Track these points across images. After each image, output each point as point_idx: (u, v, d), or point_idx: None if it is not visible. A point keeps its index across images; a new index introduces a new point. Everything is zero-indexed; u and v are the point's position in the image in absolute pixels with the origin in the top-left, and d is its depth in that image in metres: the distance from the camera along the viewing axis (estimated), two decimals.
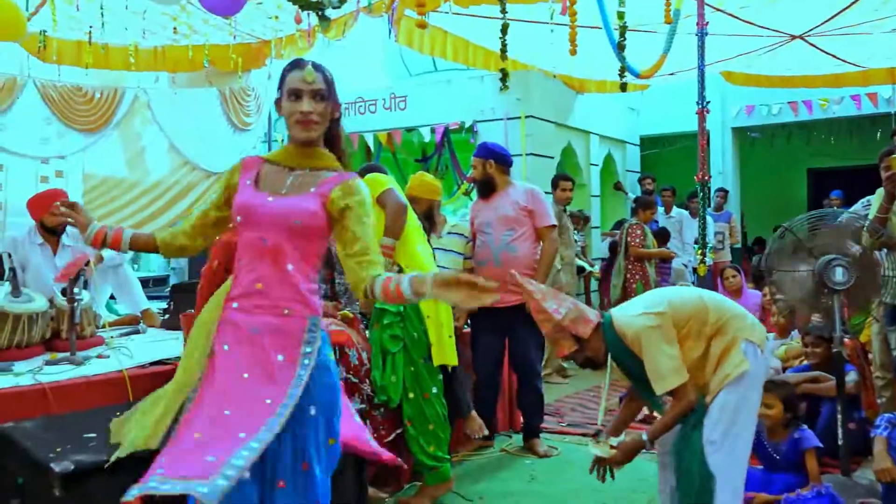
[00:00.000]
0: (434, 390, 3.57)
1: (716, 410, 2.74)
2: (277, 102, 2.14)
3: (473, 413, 3.91)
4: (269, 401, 1.92)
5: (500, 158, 4.51)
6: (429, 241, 4.00)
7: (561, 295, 2.94)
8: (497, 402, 4.70)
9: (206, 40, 6.21)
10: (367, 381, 3.50)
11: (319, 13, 3.46)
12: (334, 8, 3.51)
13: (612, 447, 2.95)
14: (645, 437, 2.87)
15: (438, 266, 4.11)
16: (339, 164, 2.15)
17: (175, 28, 5.85)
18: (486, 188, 4.51)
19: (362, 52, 9.67)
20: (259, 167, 2.15)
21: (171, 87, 7.31)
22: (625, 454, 2.90)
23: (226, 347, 2.03)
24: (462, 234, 4.58)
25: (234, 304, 2.06)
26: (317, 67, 2.07)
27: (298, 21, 5.42)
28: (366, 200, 2.11)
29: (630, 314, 2.87)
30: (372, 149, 9.15)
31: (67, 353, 3.58)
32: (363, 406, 3.39)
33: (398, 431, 3.54)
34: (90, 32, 5.62)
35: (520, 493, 3.85)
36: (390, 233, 3.51)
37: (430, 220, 4.25)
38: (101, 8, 4.99)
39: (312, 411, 2.02)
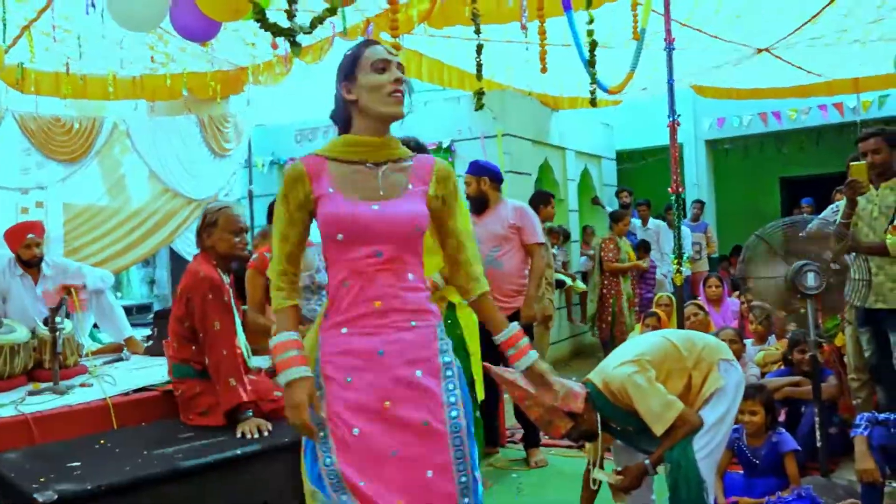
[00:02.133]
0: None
1: (704, 426, 2.86)
2: (347, 86, 1.90)
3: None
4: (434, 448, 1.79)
5: (493, 176, 4.60)
6: None
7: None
8: (498, 412, 4.76)
9: (184, 68, 6.26)
10: None
11: (290, 39, 3.51)
12: (305, 33, 3.56)
13: (616, 472, 3.00)
14: (647, 462, 2.92)
15: None
16: (405, 148, 1.96)
17: (152, 57, 5.89)
18: (480, 205, 4.57)
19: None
20: (327, 169, 1.86)
21: (150, 116, 7.36)
22: (632, 480, 2.95)
23: (349, 380, 1.79)
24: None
25: (344, 330, 1.82)
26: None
27: (275, 47, 5.47)
28: (458, 184, 1.98)
29: (610, 370, 2.94)
30: None
31: (50, 383, 3.58)
32: None
33: None
34: (68, 63, 5.65)
35: None
36: None
37: None
38: (79, 38, 5.03)
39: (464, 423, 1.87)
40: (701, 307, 5.63)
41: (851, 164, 4.09)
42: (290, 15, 3.44)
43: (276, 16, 3.63)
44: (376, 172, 1.86)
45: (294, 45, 3.52)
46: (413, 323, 1.83)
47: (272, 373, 3.69)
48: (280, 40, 4.72)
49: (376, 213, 1.81)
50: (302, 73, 6.28)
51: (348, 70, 1.90)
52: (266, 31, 3.46)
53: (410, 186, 1.88)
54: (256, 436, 2.90)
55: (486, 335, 4.56)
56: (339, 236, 1.81)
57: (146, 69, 6.20)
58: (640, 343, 3.10)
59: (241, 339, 3.28)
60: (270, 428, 2.96)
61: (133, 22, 3.74)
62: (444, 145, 8.03)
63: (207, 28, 3.65)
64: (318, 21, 3.61)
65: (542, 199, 6.55)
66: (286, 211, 1.87)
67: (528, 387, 2.76)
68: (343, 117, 1.94)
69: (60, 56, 5.49)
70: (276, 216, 1.89)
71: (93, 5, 4.13)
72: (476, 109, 4.53)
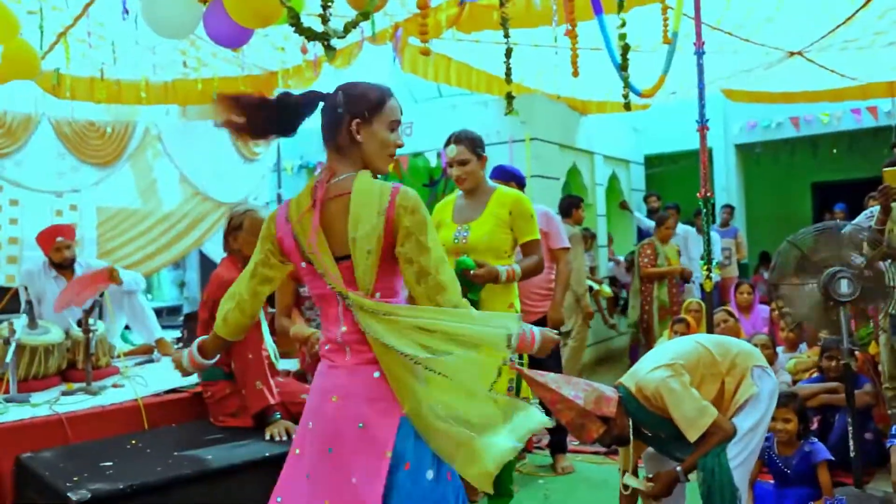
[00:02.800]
0: None
1: (738, 433, 2.83)
2: (359, 125, 1.99)
3: None
4: None
5: (520, 181, 4.60)
6: None
7: (573, 379, 2.92)
8: None
9: (215, 73, 6.33)
10: None
11: (325, 43, 3.54)
12: (339, 38, 3.58)
13: (647, 479, 2.97)
14: (679, 469, 2.89)
15: None
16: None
17: (185, 62, 5.97)
18: None
19: (369, 79, 9.79)
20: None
21: (182, 120, 7.45)
22: (663, 487, 2.91)
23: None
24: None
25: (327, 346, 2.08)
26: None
27: (304, 52, 5.53)
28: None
29: (643, 374, 2.91)
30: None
31: (83, 384, 3.64)
32: None
33: None
34: (102, 69, 5.74)
35: None
36: None
37: None
38: (113, 44, 5.10)
39: None
40: (731, 313, 5.56)
41: (885, 169, 4.02)
42: (325, 20, 3.47)
43: (310, 20, 3.66)
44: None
45: (328, 48, 3.54)
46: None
47: (300, 375, 3.72)
48: (310, 45, 4.76)
49: None
50: (331, 77, 6.31)
51: (367, 112, 1.98)
52: (300, 35, 3.49)
53: None
54: (285, 438, 2.92)
55: None
56: None
57: (178, 74, 6.28)
58: (673, 347, 3.07)
59: (269, 343, 3.31)
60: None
61: (167, 29, 3.79)
62: None
63: (240, 34, 3.68)
64: (351, 25, 3.63)
65: (573, 203, 6.53)
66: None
67: (559, 389, 2.75)
68: (336, 141, 2.00)
69: (95, 62, 5.58)
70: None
71: (126, 11, 4.20)
72: (506, 114, 4.52)
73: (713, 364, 2.89)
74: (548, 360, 4.40)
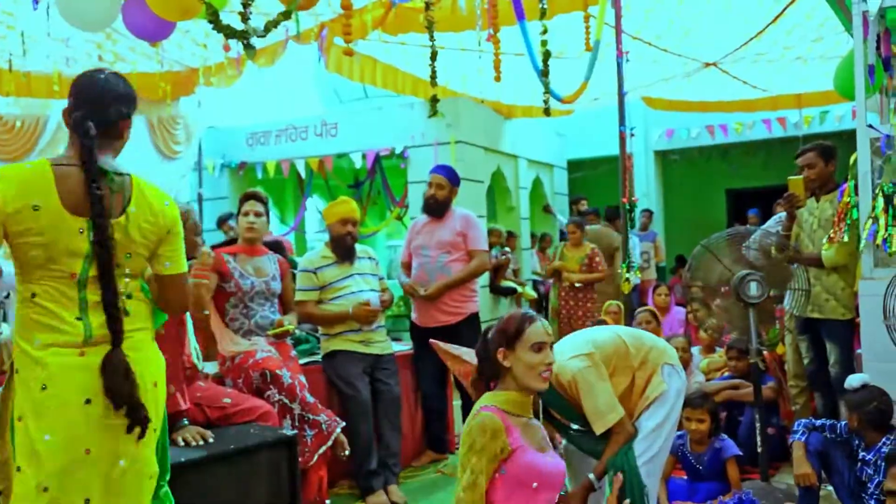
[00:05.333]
0: None
1: (644, 431, 2.88)
2: (504, 353, 2.27)
3: None
4: None
5: (457, 183, 4.64)
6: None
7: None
8: (446, 419, 4.78)
9: (133, 68, 6.14)
10: (298, 402, 3.50)
11: (244, 42, 3.48)
12: (259, 37, 3.53)
13: (561, 497, 2.98)
14: (591, 476, 2.91)
15: (359, 291, 4.17)
16: None
17: (100, 56, 5.77)
18: (442, 211, 4.59)
19: (293, 79, 9.69)
20: (511, 423, 2.22)
21: None
22: (579, 500, 2.89)
23: None
24: (369, 257, 4.40)
25: None
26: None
27: (227, 49, 5.42)
28: None
29: (562, 361, 2.88)
30: (303, 175, 9.13)
31: None
32: (294, 428, 3.40)
33: (320, 452, 3.53)
34: (10, 60, 5.50)
35: None
36: None
37: (343, 248, 4.19)
38: (23, 35, 4.89)
39: None
40: (655, 315, 5.70)
41: (790, 178, 4.22)
42: (245, 17, 3.41)
43: (230, 17, 3.60)
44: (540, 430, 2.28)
45: (248, 47, 3.49)
46: None
47: (220, 378, 3.65)
48: (233, 42, 4.68)
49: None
50: (254, 75, 6.22)
51: (510, 340, 2.22)
52: (219, 32, 3.42)
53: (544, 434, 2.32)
54: (201, 442, 2.85)
55: (414, 339, 4.65)
56: (534, 485, 2.15)
57: (93, 68, 6.08)
58: (592, 335, 3.07)
59: (193, 344, 3.22)
60: (212, 436, 2.90)
61: (84, 21, 3.65)
62: (398, 151, 8.04)
63: (160, 28, 3.59)
64: (272, 25, 3.59)
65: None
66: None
67: (472, 361, 2.75)
68: (491, 373, 2.33)
69: (3, 53, 5.35)
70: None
71: (37, 0, 4.04)
72: (430, 116, 4.56)
73: (627, 357, 2.92)
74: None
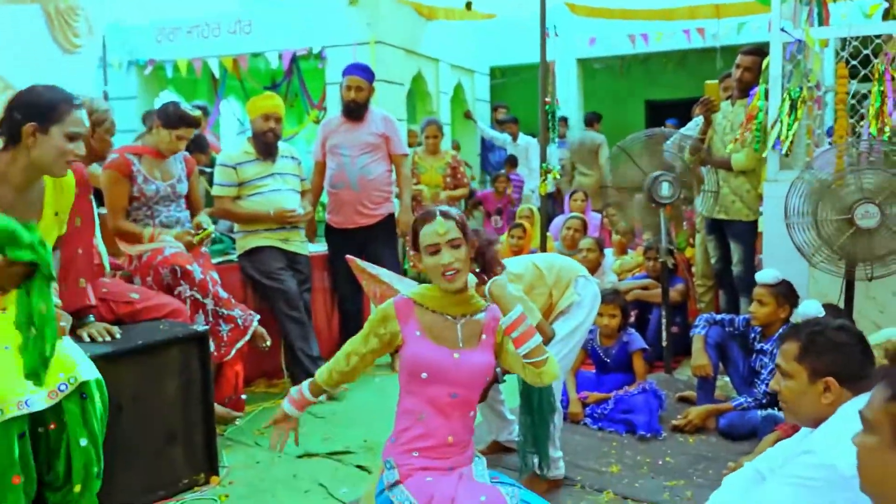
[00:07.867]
0: None
1: (559, 335, 2.95)
2: (417, 256, 2.15)
3: None
4: None
5: (373, 80, 4.54)
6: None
7: (405, 279, 2.98)
8: (361, 321, 4.81)
9: None
10: (211, 297, 3.45)
11: None
12: None
13: None
14: (497, 369, 2.84)
15: (279, 189, 4.10)
16: (483, 303, 2.20)
17: None
18: (361, 112, 4.46)
19: None
20: (415, 314, 2.13)
21: None
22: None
23: (429, 479, 2.01)
24: (292, 157, 4.32)
25: (415, 454, 2.06)
26: (445, 215, 2.09)
27: None
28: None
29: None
30: (217, 76, 8.74)
31: None
32: (208, 324, 3.36)
33: (238, 347, 3.52)
34: None
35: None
36: None
37: (264, 144, 4.10)
38: None
39: None
40: (584, 223, 5.74)
41: (707, 82, 4.28)
42: None
43: None
44: (457, 325, 2.13)
45: None
46: (468, 450, 2.14)
47: (128, 277, 3.54)
48: None
49: (455, 361, 2.08)
50: None
51: (413, 244, 2.15)
52: None
53: (484, 337, 2.16)
54: (108, 339, 2.77)
55: (329, 241, 4.64)
56: (423, 375, 2.06)
57: None
58: (509, 266, 3.14)
59: (100, 244, 3.09)
60: (120, 332, 2.82)
61: None
62: (315, 51, 7.76)
63: None
64: None
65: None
66: (368, 335, 2.15)
67: (391, 283, 2.77)
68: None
69: None
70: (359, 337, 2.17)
71: None
72: (350, 4, 4.36)
73: (542, 278, 3.01)
74: (387, 255, 4.45)
